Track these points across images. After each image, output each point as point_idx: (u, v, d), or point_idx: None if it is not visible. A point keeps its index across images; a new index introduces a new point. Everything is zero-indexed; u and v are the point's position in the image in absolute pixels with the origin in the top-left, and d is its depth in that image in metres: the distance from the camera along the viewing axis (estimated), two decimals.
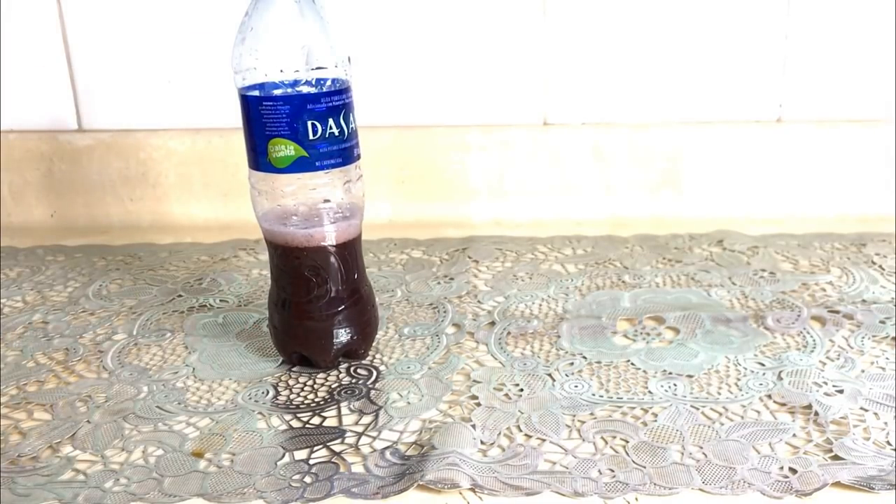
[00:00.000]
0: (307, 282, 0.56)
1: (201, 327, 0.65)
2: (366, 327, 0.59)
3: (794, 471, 0.47)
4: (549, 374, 0.57)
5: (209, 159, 0.86)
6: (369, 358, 0.60)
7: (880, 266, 0.73)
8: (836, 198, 0.85)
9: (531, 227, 0.83)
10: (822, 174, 0.85)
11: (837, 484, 0.46)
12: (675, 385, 0.56)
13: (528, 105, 0.86)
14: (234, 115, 0.87)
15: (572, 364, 0.59)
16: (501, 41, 0.84)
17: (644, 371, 0.57)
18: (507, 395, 0.55)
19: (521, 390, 0.55)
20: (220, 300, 0.70)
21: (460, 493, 0.46)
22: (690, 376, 0.57)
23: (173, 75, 0.86)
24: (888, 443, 0.49)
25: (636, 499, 0.45)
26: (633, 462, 0.48)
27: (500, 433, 0.51)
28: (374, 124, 0.85)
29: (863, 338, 0.61)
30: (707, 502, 0.45)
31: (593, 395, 0.55)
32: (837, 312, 0.65)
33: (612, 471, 0.47)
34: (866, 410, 0.52)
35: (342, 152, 0.54)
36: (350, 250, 0.57)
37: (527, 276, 0.73)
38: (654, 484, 0.46)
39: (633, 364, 0.58)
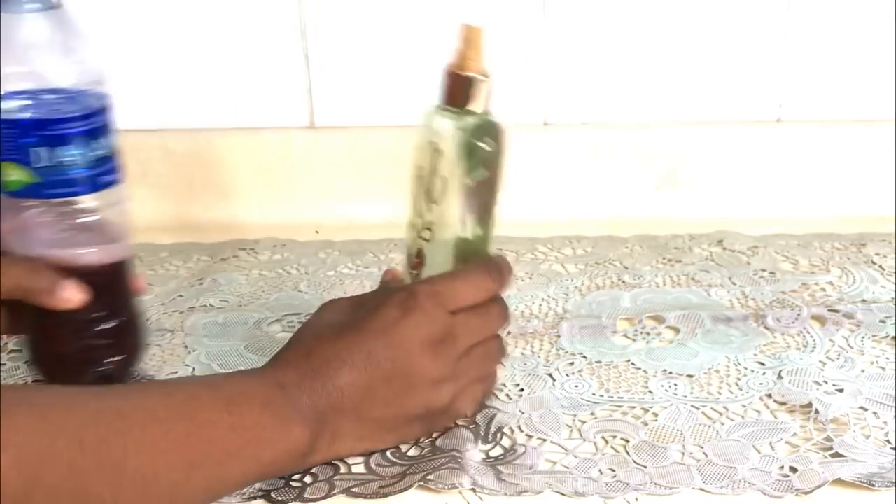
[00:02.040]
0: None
1: (201, 327, 0.65)
2: (130, 351, 0.56)
3: (794, 470, 0.47)
4: (550, 374, 0.57)
5: (209, 159, 0.86)
6: None
7: (880, 266, 0.73)
8: (836, 198, 0.85)
9: (531, 227, 0.82)
10: (822, 174, 0.85)
11: (838, 482, 0.46)
12: (675, 385, 0.56)
13: (528, 105, 0.86)
14: (234, 115, 0.87)
15: (572, 364, 0.59)
16: (501, 41, 0.84)
17: (644, 371, 0.57)
18: (507, 395, 0.55)
19: (522, 390, 0.55)
20: (220, 300, 0.70)
21: (460, 494, 0.46)
22: (691, 376, 0.57)
23: (172, 75, 0.86)
24: (888, 441, 0.49)
25: (636, 499, 0.45)
26: (634, 462, 0.48)
27: (500, 433, 0.51)
28: (374, 124, 0.86)
29: (863, 337, 0.61)
30: (707, 502, 0.45)
31: (594, 394, 0.55)
32: (837, 312, 0.65)
33: (613, 470, 0.47)
34: (866, 410, 0.52)
35: (84, 179, 0.51)
36: (108, 276, 0.54)
37: (527, 276, 0.73)
38: (655, 484, 0.46)
39: (633, 364, 0.58)
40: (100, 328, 0.54)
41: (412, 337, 0.47)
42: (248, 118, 0.87)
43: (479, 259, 0.52)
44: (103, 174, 0.52)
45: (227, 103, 0.86)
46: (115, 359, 0.55)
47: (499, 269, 0.52)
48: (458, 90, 0.49)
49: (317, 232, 0.83)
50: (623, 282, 0.71)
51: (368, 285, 0.71)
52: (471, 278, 0.51)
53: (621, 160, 0.85)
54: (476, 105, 0.50)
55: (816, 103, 0.85)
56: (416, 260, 0.53)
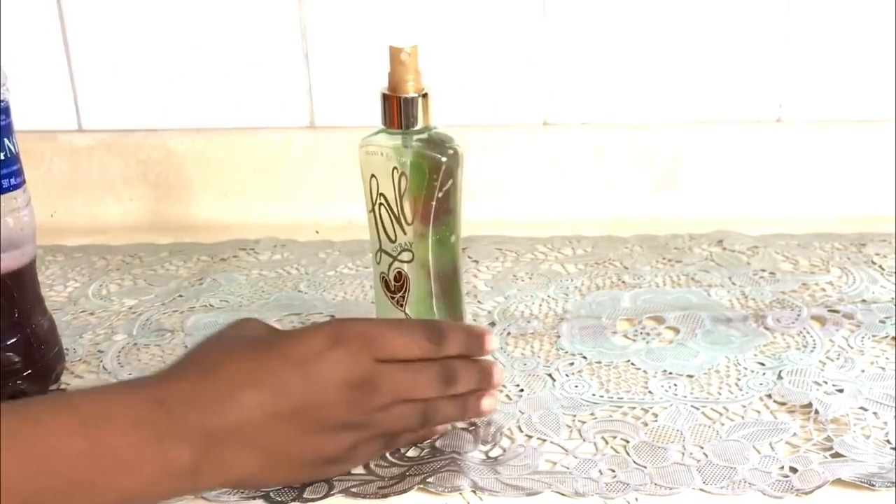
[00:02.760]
0: None
1: (201, 327, 0.65)
2: (39, 366, 0.55)
3: (794, 470, 0.47)
4: (550, 374, 0.57)
5: (209, 159, 0.86)
6: None
7: (880, 266, 0.73)
8: (836, 198, 0.85)
9: (531, 227, 0.82)
10: (822, 174, 0.85)
11: (838, 482, 0.46)
12: (675, 385, 0.56)
13: (528, 105, 0.86)
14: (234, 115, 0.87)
15: (572, 364, 0.59)
16: (501, 41, 0.84)
17: (644, 371, 0.57)
18: (507, 395, 0.55)
19: (522, 390, 0.55)
20: (220, 300, 0.70)
21: (461, 495, 0.46)
22: (690, 376, 0.57)
23: (173, 75, 0.86)
24: (888, 441, 0.49)
25: (636, 499, 0.45)
26: (634, 462, 0.48)
27: (500, 433, 0.51)
28: (374, 124, 0.85)
29: (863, 337, 0.61)
30: (708, 502, 0.45)
31: (593, 395, 0.55)
32: (837, 312, 0.65)
33: (613, 471, 0.47)
34: (866, 410, 0.52)
35: None
36: (10, 285, 0.52)
37: (527, 276, 0.73)
38: (655, 484, 0.46)
39: (633, 364, 0.58)
40: (2, 342, 0.52)
41: (331, 375, 0.43)
42: (248, 118, 0.87)
43: (426, 319, 0.52)
44: (2, 178, 0.51)
45: (228, 103, 0.86)
46: (24, 373, 0.53)
47: (440, 332, 0.47)
48: (405, 112, 0.52)
49: (317, 232, 0.83)
50: (623, 282, 0.71)
51: (368, 285, 0.71)
52: (406, 330, 0.47)
53: (621, 160, 0.85)
54: (424, 121, 0.53)
55: (816, 103, 0.85)
56: (398, 283, 0.55)
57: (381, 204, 0.54)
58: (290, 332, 0.46)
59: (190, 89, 0.86)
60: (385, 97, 0.53)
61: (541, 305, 0.68)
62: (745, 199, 0.85)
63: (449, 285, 0.55)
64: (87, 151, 0.87)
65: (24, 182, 0.53)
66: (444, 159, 0.52)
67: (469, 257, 0.77)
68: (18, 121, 0.58)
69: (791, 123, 0.85)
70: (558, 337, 0.62)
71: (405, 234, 0.53)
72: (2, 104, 0.51)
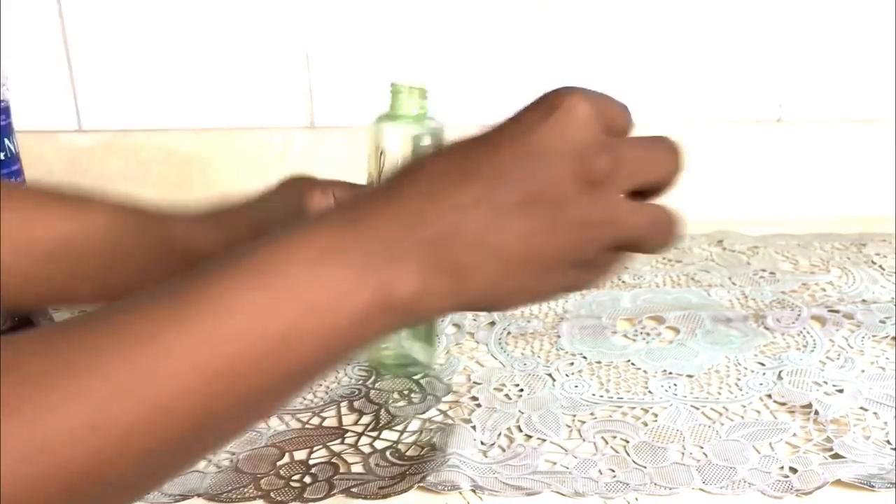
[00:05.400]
0: None
1: None
2: None
3: (794, 470, 0.47)
4: (550, 374, 0.57)
5: (209, 159, 0.86)
6: None
7: (880, 266, 0.73)
8: (836, 198, 0.85)
9: None
10: (822, 174, 0.85)
11: (838, 482, 0.46)
12: (675, 385, 0.56)
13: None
14: (234, 115, 0.87)
15: (572, 364, 0.59)
16: (500, 40, 0.84)
17: (644, 371, 0.57)
18: (507, 395, 0.55)
19: (522, 390, 0.55)
20: None
21: (461, 494, 0.46)
22: (690, 376, 0.57)
23: (173, 75, 0.86)
24: (888, 442, 0.49)
25: (636, 499, 0.45)
26: (634, 462, 0.48)
27: (500, 433, 0.51)
28: None
29: (863, 337, 0.61)
30: (707, 502, 0.45)
31: (593, 395, 0.55)
32: (837, 312, 0.65)
33: (613, 471, 0.47)
34: (866, 410, 0.52)
35: None
36: None
37: None
38: (655, 484, 0.46)
39: (633, 364, 0.58)
40: None
41: (557, 145, 0.34)
42: (248, 118, 0.87)
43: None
44: (2, 177, 0.51)
45: (228, 103, 0.86)
46: None
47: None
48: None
49: None
50: (623, 282, 0.71)
51: None
52: (620, 105, 0.37)
53: None
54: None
55: (816, 103, 0.85)
56: None
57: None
58: (500, 121, 0.36)
59: (191, 89, 0.86)
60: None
61: (541, 305, 0.68)
62: (745, 199, 0.85)
63: None
64: (87, 151, 0.87)
65: (24, 182, 0.53)
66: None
67: None
68: (18, 121, 0.58)
69: (791, 123, 0.85)
70: (558, 337, 0.62)
71: None
72: (2, 104, 0.51)
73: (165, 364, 0.28)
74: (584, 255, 0.35)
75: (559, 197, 0.34)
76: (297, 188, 0.50)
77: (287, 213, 0.48)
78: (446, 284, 0.33)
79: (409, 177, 0.34)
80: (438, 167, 0.34)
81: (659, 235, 0.37)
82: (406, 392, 0.55)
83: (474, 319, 0.65)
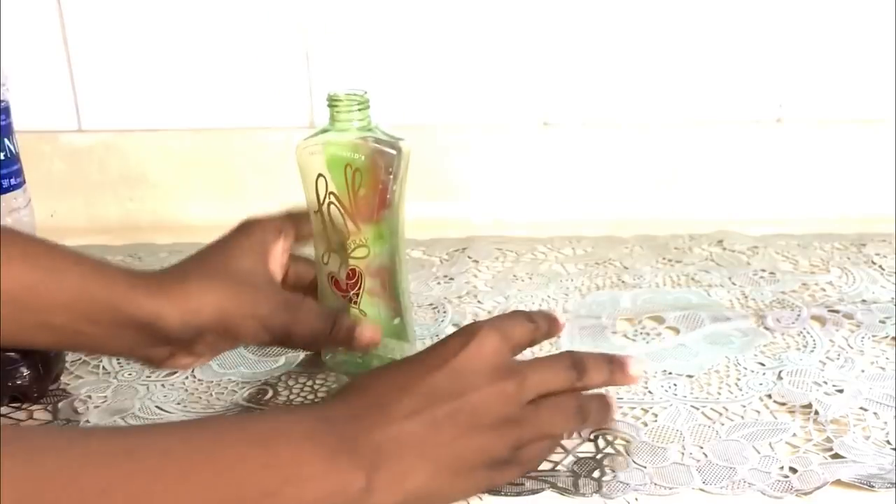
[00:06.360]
0: None
1: None
2: (43, 367, 0.55)
3: (794, 470, 0.47)
4: None
5: (209, 159, 0.86)
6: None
7: (880, 266, 0.73)
8: (836, 198, 0.85)
9: (531, 227, 0.82)
10: (822, 174, 0.85)
11: (838, 482, 0.46)
12: (675, 385, 0.56)
13: (527, 105, 0.86)
14: (234, 115, 0.87)
15: None
16: (501, 41, 0.84)
17: (644, 371, 0.57)
18: None
19: None
20: None
21: None
22: (690, 376, 0.57)
23: (173, 75, 0.86)
24: (888, 442, 0.49)
25: (636, 499, 0.45)
26: (634, 462, 0.48)
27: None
28: (374, 124, 0.85)
29: (863, 338, 0.61)
30: (707, 502, 0.45)
31: None
32: (837, 312, 0.65)
33: (613, 471, 0.47)
34: (866, 410, 0.52)
35: None
36: None
37: (527, 276, 0.73)
38: (655, 484, 0.46)
39: None
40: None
41: (476, 367, 0.44)
42: (249, 118, 0.87)
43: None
44: (2, 178, 0.51)
45: (228, 103, 0.86)
46: (27, 373, 0.53)
47: (549, 319, 0.50)
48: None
49: None
50: (623, 282, 0.71)
51: None
52: (524, 320, 0.49)
53: (621, 160, 0.85)
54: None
55: (816, 103, 0.85)
56: (350, 281, 0.55)
57: (331, 203, 0.54)
58: (428, 347, 0.47)
59: (191, 89, 0.86)
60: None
61: (541, 305, 0.68)
62: (745, 199, 0.85)
63: (391, 279, 0.55)
64: (87, 151, 0.87)
65: (24, 182, 0.53)
66: (392, 152, 0.53)
67: (469, 257, 0.77)
68: (18, 121, 0.58)
69: (791, 123, 0.85)
70: (558, 337, 0.62)
71: (360, 231, 0.54)
72: (2, 104, 0.51)
73: (183, 490, 0.36)
74: (500, 454, 0.44)
75: (477, 407, 0.43)
76: (257, 233, 0.56)
77: (252, 259, 0.54)
78: (388, 483, 0.41)
79: (363, 387, 0.44)
80: (385, 381, 0.44)
81: (572, 421, 0.47)
82: None
83: (474, 319, 0.65)
